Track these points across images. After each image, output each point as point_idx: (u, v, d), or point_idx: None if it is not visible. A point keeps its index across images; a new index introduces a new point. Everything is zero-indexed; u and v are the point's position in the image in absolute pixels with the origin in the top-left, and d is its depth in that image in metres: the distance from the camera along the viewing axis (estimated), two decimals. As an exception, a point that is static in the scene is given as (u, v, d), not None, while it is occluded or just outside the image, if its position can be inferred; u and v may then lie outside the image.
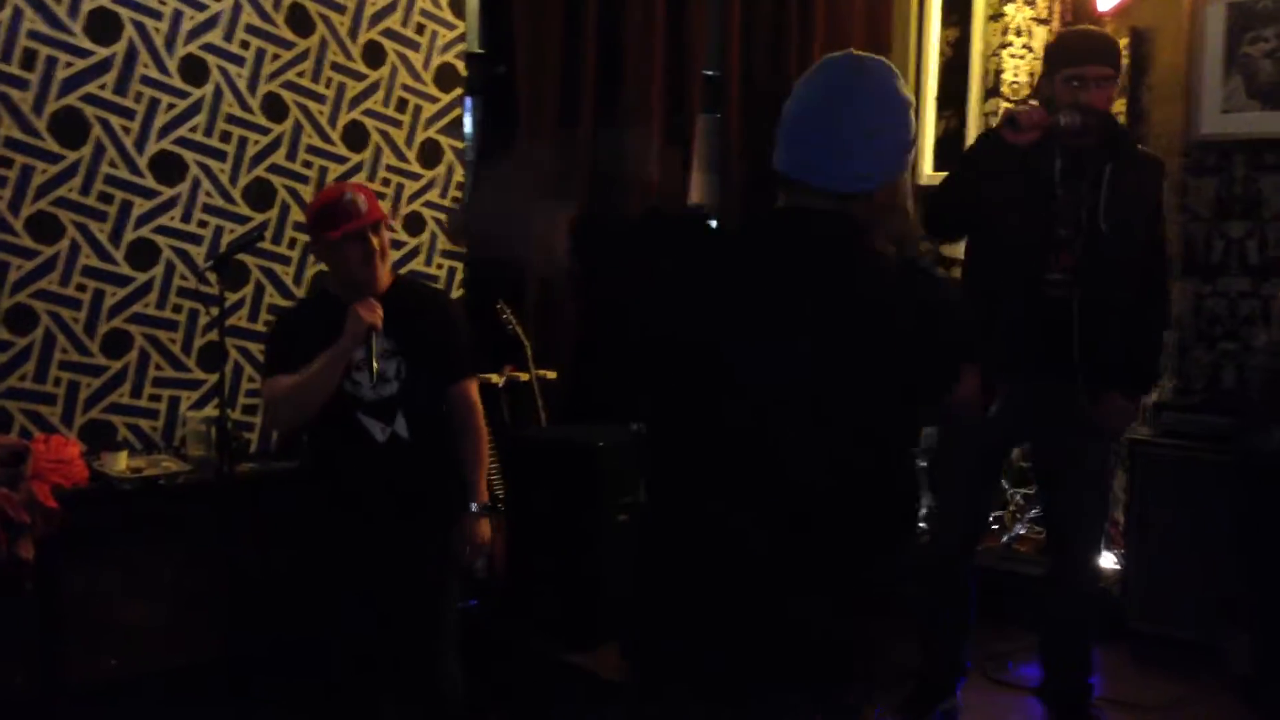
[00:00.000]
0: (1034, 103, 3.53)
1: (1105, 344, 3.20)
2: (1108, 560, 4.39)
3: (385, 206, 4.31)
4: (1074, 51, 3.14)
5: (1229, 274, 4.23)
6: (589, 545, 4.06)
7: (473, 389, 3.11)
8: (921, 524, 4.37)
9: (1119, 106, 4.66)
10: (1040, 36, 5.23)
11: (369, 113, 4.30)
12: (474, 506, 3.02)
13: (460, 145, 4.56)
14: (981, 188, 3.17)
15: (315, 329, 2.85)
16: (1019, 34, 5.25)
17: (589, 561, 4.06)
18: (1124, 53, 4.69)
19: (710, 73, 5.29)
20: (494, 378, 4.32)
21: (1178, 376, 4.43)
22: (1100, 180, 3.14)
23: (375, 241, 2.89)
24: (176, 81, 3.86)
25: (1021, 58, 5.31)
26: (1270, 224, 4.11)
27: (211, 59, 3.93)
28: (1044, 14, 5.26)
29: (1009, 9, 5.31)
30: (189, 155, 3.90)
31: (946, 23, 5.63)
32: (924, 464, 4.31)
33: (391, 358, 2.91)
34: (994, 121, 5.39)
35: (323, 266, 3.60)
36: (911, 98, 1.78)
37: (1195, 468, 3.93)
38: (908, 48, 5.74)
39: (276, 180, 4.09)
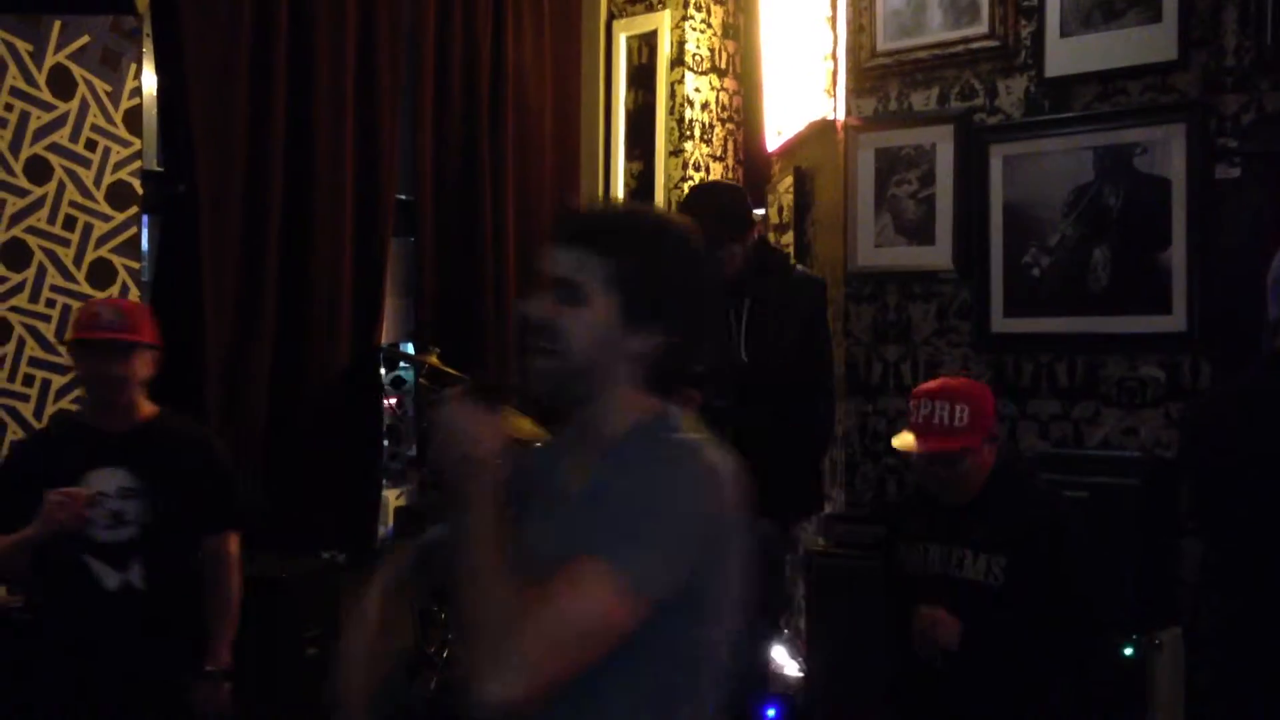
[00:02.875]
0: None
1: (757, 472, 3.39)
2: (792, 668, 4.58)
3: (49, 330, 4.05)
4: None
5: (887, 394, 4.58)
6: (273, 681, 3.86)
7: (232, 543, 2.89)
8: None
9: (787, 238, 5.03)
10: (717, 172, 5.59)
11: (33, 230, 4.05)
12: (209, 668, 2.80)
13: (136, 265, 4.36)
14: None
15: (45, 466, 2.59)
16: (697, 169, 5.60)
17: (271, 699, 3.86)
18: (788, 190, 5.08)
19: (403, 197, 5.32)
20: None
21: (848, 489, 4.73)
22: (741, 314, 3.37)
23: (120, 366, 2.68)
24: None
25: (700, 191, 5.65)
26: (920, 348, 4.51)
27: None
28: (719, 151, 5.64)
29: (688, 145, 5.65)
30: None
31: (630, 156, 5.92)
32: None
33: (131, 498, 2.68)
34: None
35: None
36: None
37: (864, 575, 4.19)
38: (596, 178, 5.99)
39: (-79, 301, 3.77)
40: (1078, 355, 4.15)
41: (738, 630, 1.59)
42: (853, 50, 4.73)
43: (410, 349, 5.47)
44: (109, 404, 2.72)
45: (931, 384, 3.10)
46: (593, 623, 1.37)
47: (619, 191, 5.95)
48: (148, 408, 2.83)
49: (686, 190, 5.56)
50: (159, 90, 4.54)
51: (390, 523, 5.24)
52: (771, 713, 3.81)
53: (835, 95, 4.85)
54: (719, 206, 3.36)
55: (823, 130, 4.88)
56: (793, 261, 3.71)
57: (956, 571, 2.93)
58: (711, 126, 5.70)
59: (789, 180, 5.13)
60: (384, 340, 5.26)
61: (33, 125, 4.06)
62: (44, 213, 4.09)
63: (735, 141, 5.66)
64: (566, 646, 1.36)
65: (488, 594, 1.37)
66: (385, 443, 5.28)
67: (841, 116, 4.82)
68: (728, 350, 3.36)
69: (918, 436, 2.94)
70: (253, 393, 4.61)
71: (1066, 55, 4.12)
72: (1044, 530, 2.86)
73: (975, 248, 4.34)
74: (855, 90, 4.73)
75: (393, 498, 5.35)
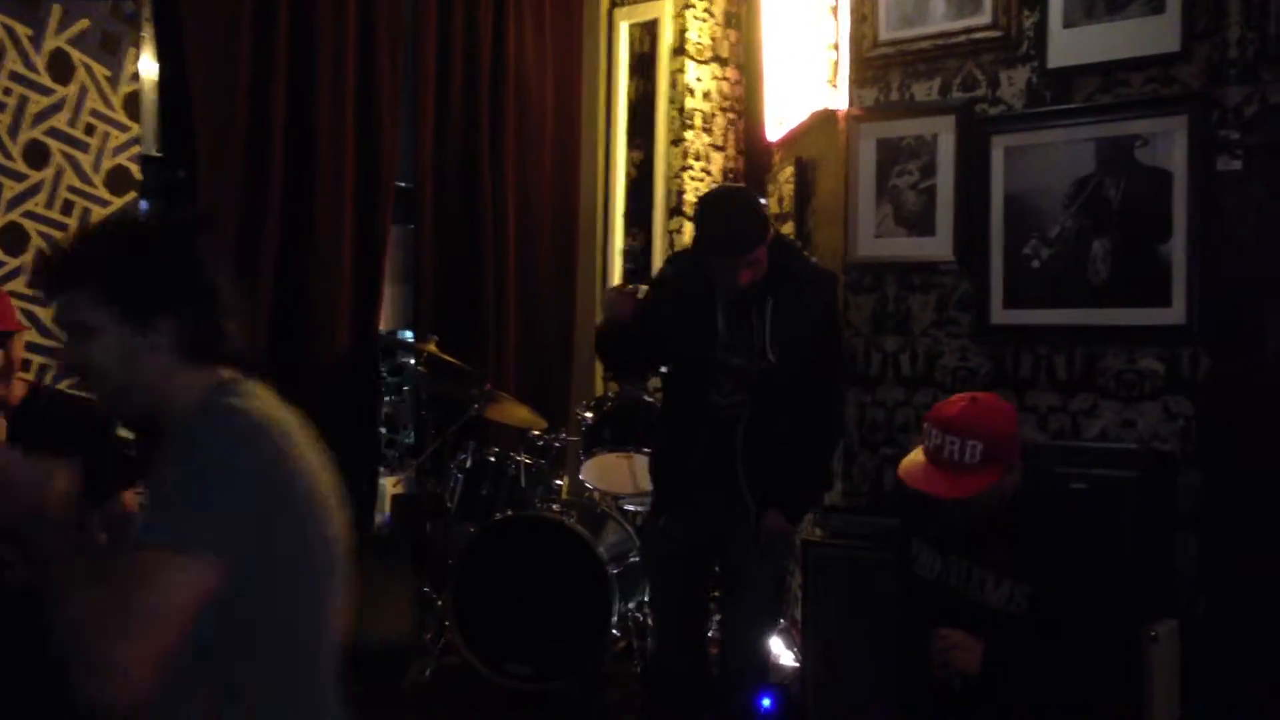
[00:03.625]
0: (631, 289, 3.84)
1: (769, 467, 3.41)
2: (788, 658, 4.57)
3: (47, 314, 4.04)
4: (715, 243, 3.32)
5: (886, 384, 4.57)
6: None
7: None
8: (614, 630, 4.44)
9: (788, 229, 5.01)
10: (718, 162, 5.58)
11: (30, 214, 4.04)
12: None
13: (134, 251, 4.35)
14: (630, 330, 3.45)
15: None
16: (698, 158, 5.58)
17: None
18: (789, 180, 5.06)
19: (403, 184, 5.31)
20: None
21: (846, 480, 4.72)
22: (764, 314, 3.36)
23: None
24: None
25: (701, 180, 5.64)
26: (919, 339, 4.49)
27: None
28: (720, 141, 5.62)
29: (689, 134, 5.64)
30: None
31: (631, 145, 5.90)
32: (616, 571, 4.39)
33: None
34: (677, 240, 5.68)
35: None
36: None
37: (861, 566, 4.18)
38: (596, 168, 5.97)
39: (-81, 284, 3.77)
40: (1077, 347, 4.13)
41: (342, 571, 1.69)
42: (855, 40, 4.70)
43: (409, 336, 5.47)
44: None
45: (949, 409, 2.78)
46: (164, 605, 1.44)
47: (619, 180, 5.93)
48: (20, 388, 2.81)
49: (694, 192, 5.55)
50: (159, 75, 4.52)
51: (387, 510, 5.24)
52: (766, 702, 3.80)
53: (837, 85, 4.82)
54: (743, 214, 3.33)
55: (824, 120, 4.86)
56: (806, 254, 3.71)
57: (978, 594, 2.78)
58: (713, 116, 5.68)
59: (790, 170, 5.11)
60: (382, 327, 5.26)
61: (31, 110, 4.05)
62: (42, 197, 4.08)
63: (736, 131, 5.65)
64: (149, 637, 1.42)
65: (75, 613, 1.44)
66: (382, 430, 5.28)
67: (843, 106, 4.80)
68: (747, 350, 3.37)
69: (926, 468, 2.78)
70: (252, 376, 4.59)
71: (1069, 46, 4.10)
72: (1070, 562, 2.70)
73: (975, 239, 4.32)
74: (857, 80, 4.70)
75: (390, 485, 5.35)
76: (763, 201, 3.66)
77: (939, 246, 4.43)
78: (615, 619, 4.41)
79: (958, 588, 2.83)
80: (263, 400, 1.63)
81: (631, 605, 4.57)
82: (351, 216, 4.97)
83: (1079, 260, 4.11)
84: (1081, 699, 2.73)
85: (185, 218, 1.75)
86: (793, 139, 5.13)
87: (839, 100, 4.82)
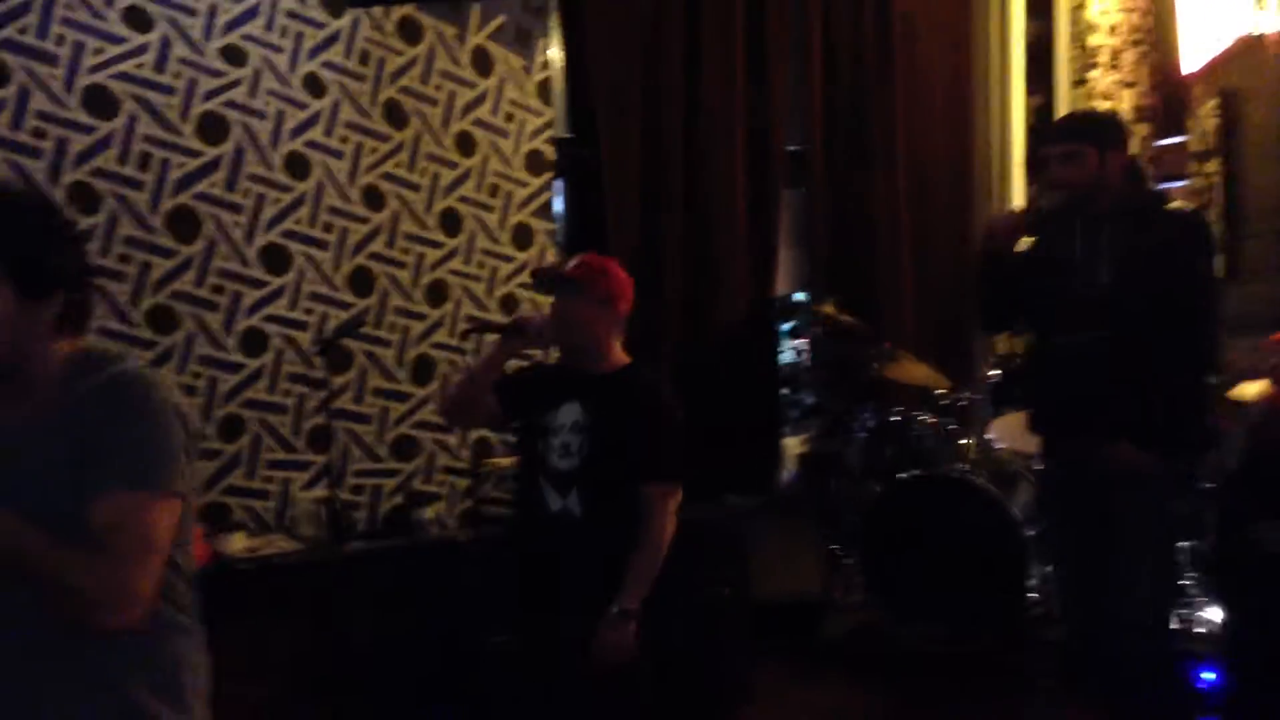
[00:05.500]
0: (1014, 207, 3.70)
1: (1125, 398, 3.18)
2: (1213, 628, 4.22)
3: (480, 289, 4.41)
4: (1040, 132, 3.22)
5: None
6: (688, 621, 4.02)
7: (663, 494, 2.89)
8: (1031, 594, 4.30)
9: (1212, 167, 4.62)
10: (1128, 100, 5.21)
11: (463, 199, 4.42)
12: (616, 609, 2.87)
13: (551, 227, 4.66)
14: (1008, 269, 3.34)
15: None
16: (1106, 98, 5.24)
17: (687, 637, 4.01)
18: (1212, 115, 4.65)
19: (793, 148, 5.35)
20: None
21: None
22: (1099, 240, 3.21)
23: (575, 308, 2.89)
24: (281, 177, 4.01)
25: (1107, 122, 5.28)
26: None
27: (314, 154, 4.08)
28: (1129, 78, 5.25)
29: (1093, 74, 5.30)
30: (294, 246, 4.04)
31: (1030, 90, 5.63)
32: (1032, 533, 4.25)
33: (580, 432, 2.88)
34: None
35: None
36: None
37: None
38: (990, 118, 5.75)
39: (377, 267, 4.21)
40: None
41: None
42: (1288, -49, 4.25)
43: (803, 298, 5.52)
44: (572, 347, 2.93)
45: None
46: (158, 535, 1.65)
47: (1017, 129, 5.68)
48: (620, 357, 2.99)
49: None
50: (565, 61, 4.80)
51: (792, 469, 5.33)
52: (1210, 675, 3.54)
53: (1265, 5, 4.38)
54: (1080, 114, 3.28)
55: (1250, 47, 4.44)
56: (1168, 198, 3.46)
57: None
58: (1120, 51, 5.30)
59: (1212, 104, 4.70)
60: (779, 290, 5.33)
61: (459, 103, 4.42)
62: (472, 183, 4.45)
63: (1148, 65, 5.24)
64: (152, 563, 1.64)
65: (58, 569, 1.59)
66: (784, 391, 5.37)
67: (1274, 29, 4.36)
68: (1091, 276, 3.21)
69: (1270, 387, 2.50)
70: (657, 342, 4.81)
71: None
72: None
73: None
74: (1292, -4, 4.25)
75: (794, 444, 5.43)
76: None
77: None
78: (1032, 582, 4.27)
79: None
80: (143, 368, 1.76)
81: (1050, 568, 4.40)
82: (744, 182, 5.07)
83: None
84: None
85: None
86: (1214, 69, 4.73)
87: (1268, 23, 4.39)
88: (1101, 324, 3.20)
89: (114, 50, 3.70)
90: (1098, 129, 3.28)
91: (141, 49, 3.75)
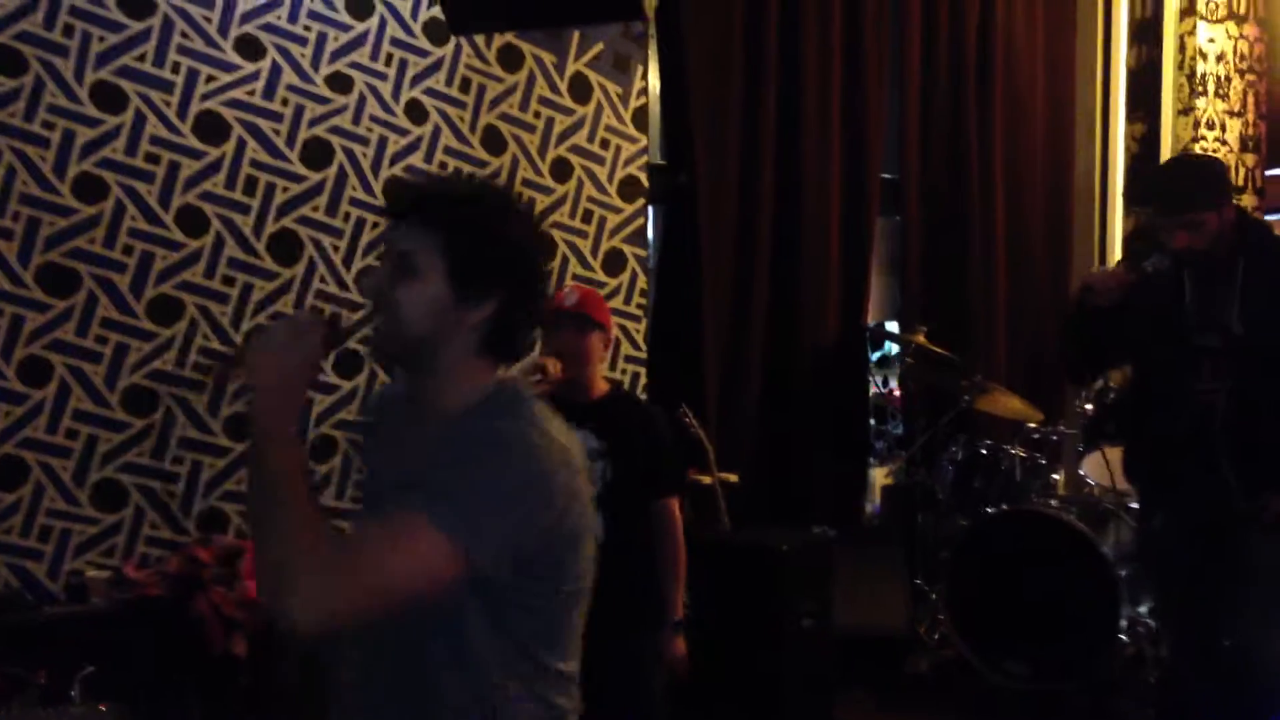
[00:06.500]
0: (1112, 265, 3.64)
1: (1257, 446, 3.10)
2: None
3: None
4: (1149, 196, 3.14)
5: None
6: (770, 650, 4.03)
7: (675, 506, 3.06)
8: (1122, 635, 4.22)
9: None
10: (1235, 130, 5.09)
11: (556, 225, 4.48)
12: (672, 620, 3.04)
13: (643, 253, 4.70)
14: (1108, 320, 3.24)
15: None
16: (1211, 127, 5.12)
17: (769, 666, 4.03)
18: None
19: (888, 176, 5.33)
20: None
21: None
22: (1233, 285, 3.12)
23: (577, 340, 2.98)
24: (381, 202, 4.11)
25: (1215, 151, 5.16)
26: None
27: (413, 179, 4.18)
28: (1236, 106, 5.13)
29: (1199, 102, 5.19)
30: (393, 270, 4.13)
31: (1132, 118, 5.53)
32: (1124, 573, 4.17)
33: (597, 459, 2.93)
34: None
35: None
36: None
37: None
38: (1092, 143, 5.66)
39: (471, 291, 4.28)
40: None
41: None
42: None
43: (896, 328, 5.48)
44: (570, 378, 2.97)
45: None
46: (398, 568, 1.43)
47: (1118, 156, 5.58)
48: (603, 384, 3.05)
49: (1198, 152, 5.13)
50: (661, 88, 4.84)
51: (877, 499, 5.30)
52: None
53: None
54: (1188, 173, 3.24)
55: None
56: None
57: None
58: (1228, 79, 5.19)
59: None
60: (870, 319, 5.30)
61: (557, 129, 4.49)
62: (566, 208, 4.50)
63: (1256, 94, 5.12)
64: (368, 588, 1.43)
65: (290, 513, 1.42)
66: (871, 421, 5.33)
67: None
68: (1217, 327, 3.13)
69: None
70: (747, 368, 4.83)
71: None
72: None
73: None
74: None
75: (880, 475, 5.40)
76: (1223, 171, 3.42)
77: None
78: (1124, 623, 4.18)
79: None
80: (545, 417, 1.57)
81: (1142, 610, 4.31)
82: (838, 210, 5.06)
83: None
84: None
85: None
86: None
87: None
88: (1228, 373, 3.14)
89: (226, 78, 3.84)
90: (1214, 193, 3.18)
91: (253, 76, 3.88)
